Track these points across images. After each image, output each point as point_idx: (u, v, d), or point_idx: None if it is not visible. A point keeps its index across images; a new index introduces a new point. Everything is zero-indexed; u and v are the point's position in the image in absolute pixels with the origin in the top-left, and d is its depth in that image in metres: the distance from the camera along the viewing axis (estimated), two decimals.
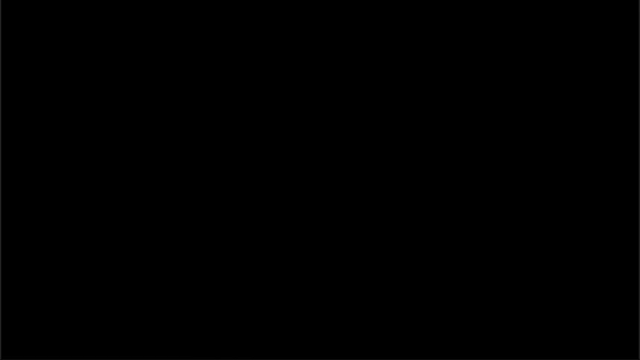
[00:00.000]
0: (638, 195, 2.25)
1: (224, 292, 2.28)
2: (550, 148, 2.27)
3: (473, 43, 2.29)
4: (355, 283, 2.28)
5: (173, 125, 2.30)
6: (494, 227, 2.27)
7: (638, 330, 2.24)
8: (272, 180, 2.29)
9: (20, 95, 2.29)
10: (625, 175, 2.26)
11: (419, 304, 2.27)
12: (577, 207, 2.26)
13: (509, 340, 2.25)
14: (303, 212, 2.29)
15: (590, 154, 2.27)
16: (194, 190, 2.29)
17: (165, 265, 2.28)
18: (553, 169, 2.27)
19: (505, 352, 2.25)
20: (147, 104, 2.30)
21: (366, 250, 2.28)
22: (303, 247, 2.29)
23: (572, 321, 2.25)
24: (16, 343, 2.26)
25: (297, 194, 2.29)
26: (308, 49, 2.31)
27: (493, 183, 2.28)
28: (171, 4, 2.31)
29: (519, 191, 2.27)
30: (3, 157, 2.28)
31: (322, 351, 2.27)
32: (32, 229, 2.27)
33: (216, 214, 2.29)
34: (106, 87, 2.30)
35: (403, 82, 2.30)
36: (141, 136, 2.29)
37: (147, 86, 2.30)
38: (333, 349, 2.27)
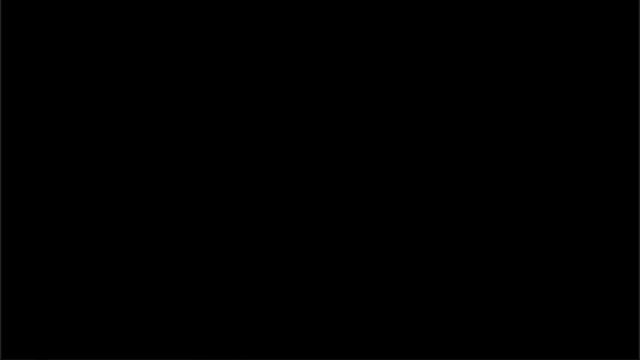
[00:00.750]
0: (638, 195, 2.25)
1: (224, 292, 2.28)
2: (550, 148, 2.27)
3: (473, 43, 2.29)
4: (355, 283, 2.28)
5: (173, 125, 2.30)
6: (494, 227, 2.27)
7: (638, 330, 2.24)
8: (272, 180, 2.30)
9: (20, 95, 2.29)
10: (625, 175, 2.26)
11: (419, 304, 2.27)
12: (577, 207, 2.26)
13: (510, 340, 2.25)
14: (303, 212, 2.29)
15: (591, 154, 2.27)
16: (194, 190, 2.29)
17: (165, 265, 2.28)
18: (553, 169, 2.27)
19: (505, 352, 2.25)
20: (146, 104, 2.30)
21: (366, 250, 2.28)
22: (303, 247, 2.29)
23: (572, 321, 2.25)
24: (16, 343, 2.26)
25: (297, 194, 2.29)
26: (308, 49, 2.31)
27: (493, 183, 2.28)
28: (171, 4, 2.31)
29: (519, 191, 2.27)
30: (3, 157, 2.28)
31: (322, 351, 2.27)
32: (32, 229, 2.27)
33: (216, 214, 2.29)
34: (106, 87, 2.30)
35: (403, 82, 2.30)
36: (141, 136, 2.29)
37: (146, 86, 2.30)
38: (333, 349, 2.27)
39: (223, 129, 2.30)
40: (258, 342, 2.27)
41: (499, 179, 2.28)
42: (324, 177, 2.29)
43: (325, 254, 2.28)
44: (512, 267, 2.26)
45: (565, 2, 2.29)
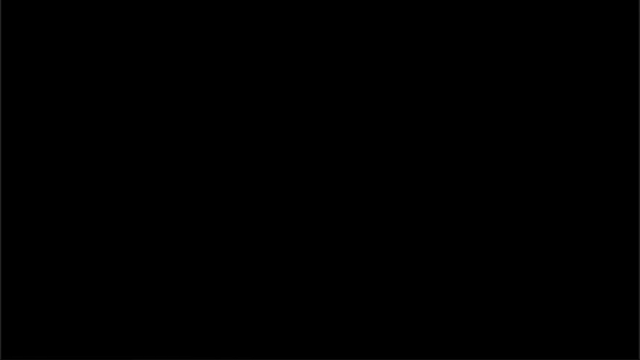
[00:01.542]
0: (638, 195, 2.25)
1: (224, 292, 2.28)
2: (550, 148, 2.27)
3: (473, 43, 2.29)
4: (355, 283, 2.28)
5: (172, 125, 2.30)
6: (494, 227, 2.27)
7: (638, 330, 2.24)
8: (272, 180, 2.29)
9: (20, 95, 2.29)
10: (625, 175, 2.26)
11: (419, 304, 2.27)
12: (577, 207, 2.26)
13: (510, 340, 2.25)
14: (303, 212, 2.29)
15: (591, 154, 2.27)
16: (194, 190, 2.29)
17: (165, 265, 2.28)
18: (553, 170, 2.27)
19: (505, 352, 2.25)
20: (146, 104, 2.30)
21: (366, 250, 2.28)
22: (303, 247, 2.29)
23: (572, 321, 2.25)
24: (16, 343, 2.26)
25: (297, 194, 2.29)
26: (308, 49, 2.31)
27: (493, 183, 2.28)
28: (171, 4, 2.31)
29: (519, 191, 2.27)
30: (3, 157, 2.28)
31: (322, 351, 2.27)
32: (32, 229, 2.27)
33: (216, 214, 2.29)
34: (106, 87, 2.30)
35: (403, 82, 2.30)
36: (141, 136, 2.29)
37: (146, 86, 2.30)
38: (333, 349, 2.27)
39: (223, 129, 2.30)
40: (258, 342, 2.27)
41: (499, 179, 2.28)
42: (323, 177, 2.29)
43: (325, 254, 2.28)
44: (512, 267, 2.26)
45: (565, 2, 2.29)
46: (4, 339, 2.26)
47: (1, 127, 2.28)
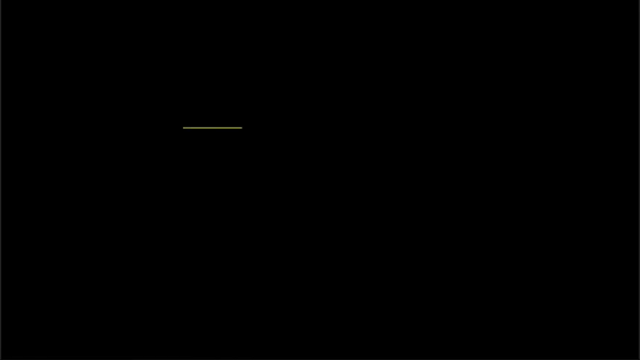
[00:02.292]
0: (638, 195, 2.25)
1: (224, 292, 2.28)
2: (550, 148, 2.28)
3: (473, 43, 2.29)
4: (355, 283, 2.28)
5: (172, 125, 2.30)
6: (494, 228, 2.27)
7: (638, 330, 2.24)
8: (272, 180, 2.30)
9: (20, 95, 2.30)
10: (625, 175, 2.26)
11: (419, 304, 2.27)
12: (577, 207, 2.27)
13: (510, 340, 2.26)
14: (303, 213, 2.29)
15: (591, 154, 2.27)
16: (194, 190, 2.29)
17: (165, 265, 2.28)
18: (553, 170, 2.28)
19: (505, 352, 2.25)
20: (146, 104, 2.30)
21: (366, 251, 2.29)
22: (303, 247, 2.29)
23: (572, 321, 2.25)
24: (16, 343, 2.27)
25: (297, 194, 2.29)
26: (308, 49, 2.31)
27: (493, 183, 2.28)
28: (171, 5, 2.31)
29: (520, 192, 2.28)
30: (3, 157, 2.28)
31: (322, 351, 2.27)
32: (32, 229, 2.27)
33: (216, 214, 2.29)
34: (106, 87, 2.30)
35: (403, 82, 2.31)
36: (140, 136, 2.30)
37: (146, 86, 2.30)
38: (333, 349, 2.27)
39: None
40: (258, 342, 2.28)
41: (499, 179, 2.28)
42: (323, 177, 2.30)
43: (325, 254, 2.29)
44: (513, 267, 2.27)
45: (565, 2, 2.29)
46: (4, 339, 2.26)
47: (1, 127, 2.28)
